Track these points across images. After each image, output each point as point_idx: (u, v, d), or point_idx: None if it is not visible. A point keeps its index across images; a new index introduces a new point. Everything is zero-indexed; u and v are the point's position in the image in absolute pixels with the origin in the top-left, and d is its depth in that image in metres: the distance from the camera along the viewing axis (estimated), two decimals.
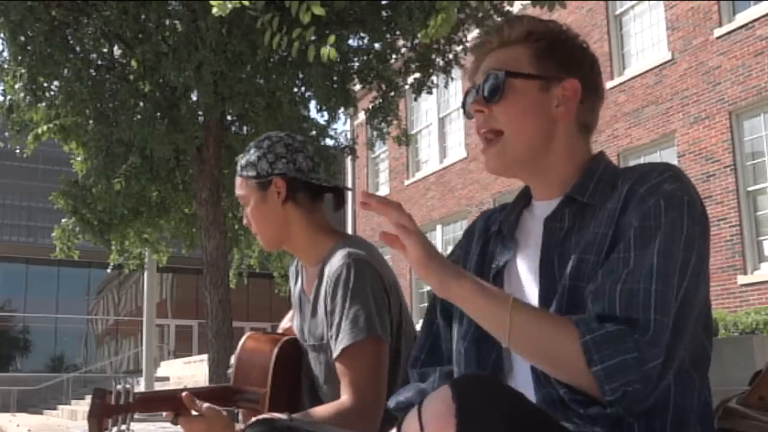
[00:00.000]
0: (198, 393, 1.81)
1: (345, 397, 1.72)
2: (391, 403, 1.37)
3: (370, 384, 1.72)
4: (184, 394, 1.78)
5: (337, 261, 1.81)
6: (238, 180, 1.95)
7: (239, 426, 1.81)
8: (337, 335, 1.76)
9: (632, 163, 11.78)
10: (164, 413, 1.84)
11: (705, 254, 1.18)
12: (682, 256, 1.13)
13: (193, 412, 1.77)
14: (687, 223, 1.15)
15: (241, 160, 1.94)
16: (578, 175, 1.30)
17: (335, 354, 1.76)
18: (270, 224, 1.91)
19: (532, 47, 1.30)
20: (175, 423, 1.81)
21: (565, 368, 1.11)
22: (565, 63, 1.30)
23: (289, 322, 2.13)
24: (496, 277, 1.33)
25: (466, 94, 1.37)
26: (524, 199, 1.39)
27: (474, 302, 1.13)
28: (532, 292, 1.27)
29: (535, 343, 1.12)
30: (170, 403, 1.82)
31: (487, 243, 1.40)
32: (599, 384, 1.06)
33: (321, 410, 1.72)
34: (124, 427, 1.71)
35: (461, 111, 14.12)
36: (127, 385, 1.73)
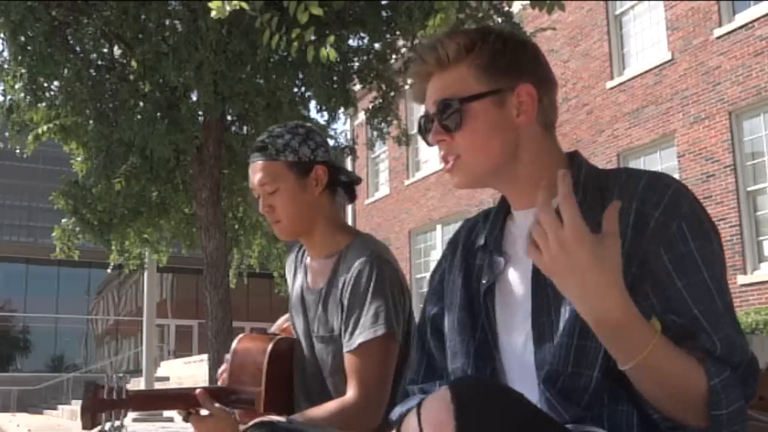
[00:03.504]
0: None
1: (350, 393, 1.73)
2: (394, 415, 1.35)
3: (377, 382, 1.73)
4: (198, 391, 1.78)
5: (358, 257, 1.81)
6: (264, 164, 1.86)
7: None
8: (354, 329, 1.76)
9: (632, 163, 11.80)
10: (177, 411, 1.84)
11: (724, 262, 1.21)
12: (723, 278, 1.17)
13: (204, 412, 1.78)
14: (711, 245, 1.17)
15: (274, 144, 1.86)
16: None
17: (350, 347, 1.76)
18: (300, 212, 1.87)
19: (474, 63, 1.27)
20: (186, 420, 1.81)
21: (683, 403, 1.09)
22: (512, 69, 1.27)
23: (284, 322, 2.13)
24: (487, 292, 1.30)
25: (421, 120, 1.34)
26: (504, 208, 1.36)
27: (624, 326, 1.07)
28: (522, 308, 1.25)
29: (666, 378, 1.09)
30: (164, 402, 1.83)
31: (472, 256, 1.37)
32: (717, 426, 1.08)
33: (323, 409, 1.72)
34: (117, 422, 1.70)
35: None
36: (118, 383, 1.72)
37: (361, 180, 2.03)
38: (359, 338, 1.74)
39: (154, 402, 1.84)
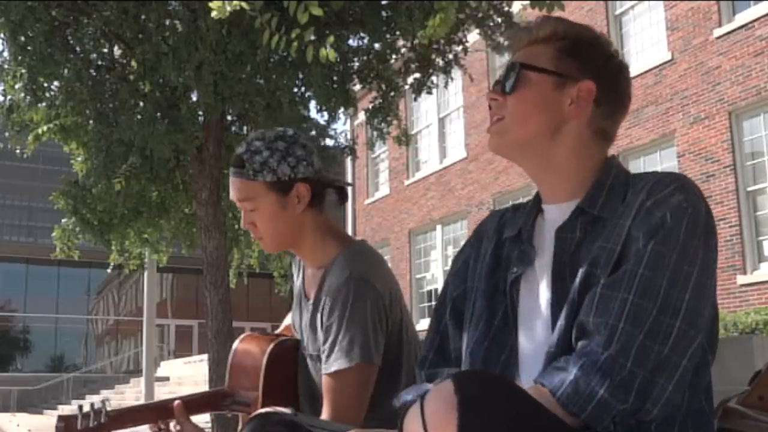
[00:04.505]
0: (189, 401, 1.80)
1: (324, 416, 1.71)
2: (397, 402, 1.36)
3: (351, 407, 1.72)
4: (175, 403, 1.76)
5: (338, 277, 1.77)
6: (241, 183, 1.81)
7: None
8: (330, 354, 1.75)
9: (632, 163, 11.81)
10: (149, 427, 1.81)
11: (710, 265, 1.19)
12: (685, 270, 1.15)
13: (176, 425, 1.76)
14: (686, 238, 1.16)
15: (251, 162, 1.79)
16: (589, 182, 1.31)
17: (326, 371, 1.75)
18: (282, 229, 1.83)
19: (555, 46, 1.34)
20: None
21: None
22: (584, 64, 1.33)
23: (289, 320, 2.12)
24: (513, 283, 1.33)
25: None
26: (537, 203, 1.40)
27: None
28: (543, 300, 1.29)
29: None
30: (147, 415, 1.80)
31: (500, 246, 1.40)
32: (595, 425, 1.08)
33: None
34: None
35: (461, 111, 14.00)
36: (97, 406, 1.69)
37: (349, 184, 2.01)
38: (334, 365, 1.73)
39: (133, 418, 1.79)
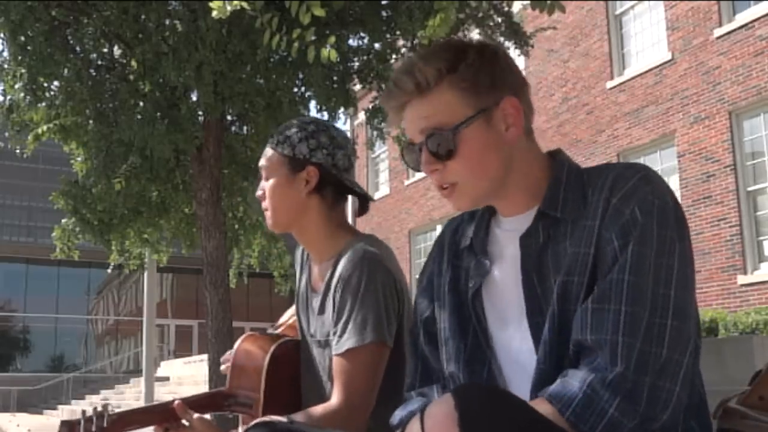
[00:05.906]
0: (190, 402, 1.79)
1: (335, 399, 1.70)
2: (395, 419, 1.34)
3: (362, 388, 1.71)
4: (176, 403, 1.75)
5: (351, 258, 1.77)
6: (268, 150, 1.88)
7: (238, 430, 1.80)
8: (342, 334, 1.74)
9: None
10: (154, 429, 1.80)
11: (687, 254, 1.16)
12: (665, 264, 1.12)
13: (185, 423, 1.75)
14: (659, 231, 1.13)
15: (280, 133, 1.87)
16: (543, 184, 1.26)
17: (337, 351, 1.74)
18: (286, 207, 1.85)
19: (458, 87, 1.22)
20: None
21: None
22: (495, 85, 1.24)
23: (288, 316, 2.11)
24: (475, 295, 1.30)
25: (404, 149, 1.32)
26: (489, 210, 1.36)
27: None
28: (514, 310, 1.25)
29: None
30: (151, 417, 1.79)
31: (457, 257, 1.37)
32: None
33: (307, 413, 1.70)
34: None
35: None
36: (99, 408, 1.69)
37: (368, 196, 2.03)
38: (347, 344, 1.72)
39: (137, 420, 1.79)
